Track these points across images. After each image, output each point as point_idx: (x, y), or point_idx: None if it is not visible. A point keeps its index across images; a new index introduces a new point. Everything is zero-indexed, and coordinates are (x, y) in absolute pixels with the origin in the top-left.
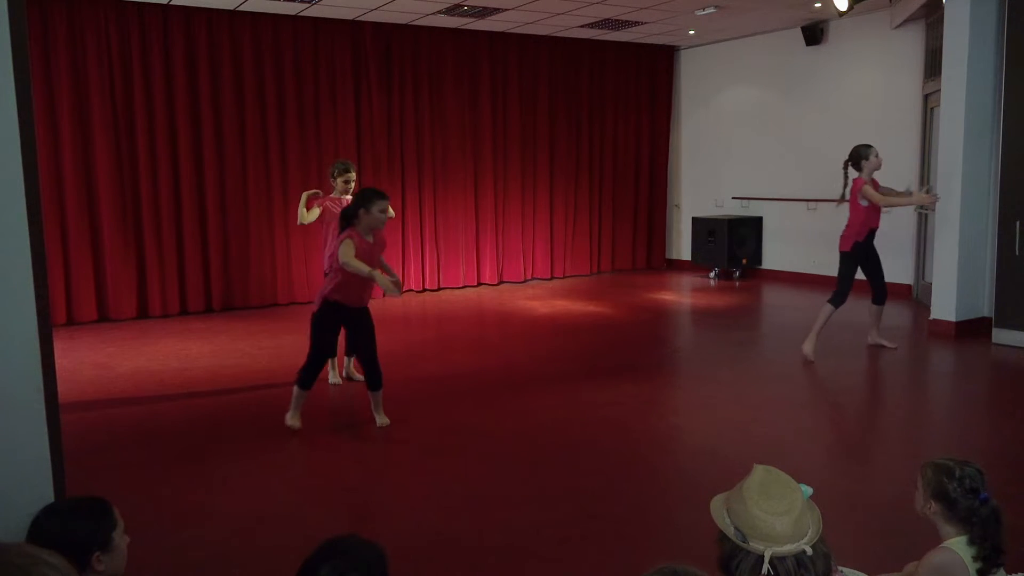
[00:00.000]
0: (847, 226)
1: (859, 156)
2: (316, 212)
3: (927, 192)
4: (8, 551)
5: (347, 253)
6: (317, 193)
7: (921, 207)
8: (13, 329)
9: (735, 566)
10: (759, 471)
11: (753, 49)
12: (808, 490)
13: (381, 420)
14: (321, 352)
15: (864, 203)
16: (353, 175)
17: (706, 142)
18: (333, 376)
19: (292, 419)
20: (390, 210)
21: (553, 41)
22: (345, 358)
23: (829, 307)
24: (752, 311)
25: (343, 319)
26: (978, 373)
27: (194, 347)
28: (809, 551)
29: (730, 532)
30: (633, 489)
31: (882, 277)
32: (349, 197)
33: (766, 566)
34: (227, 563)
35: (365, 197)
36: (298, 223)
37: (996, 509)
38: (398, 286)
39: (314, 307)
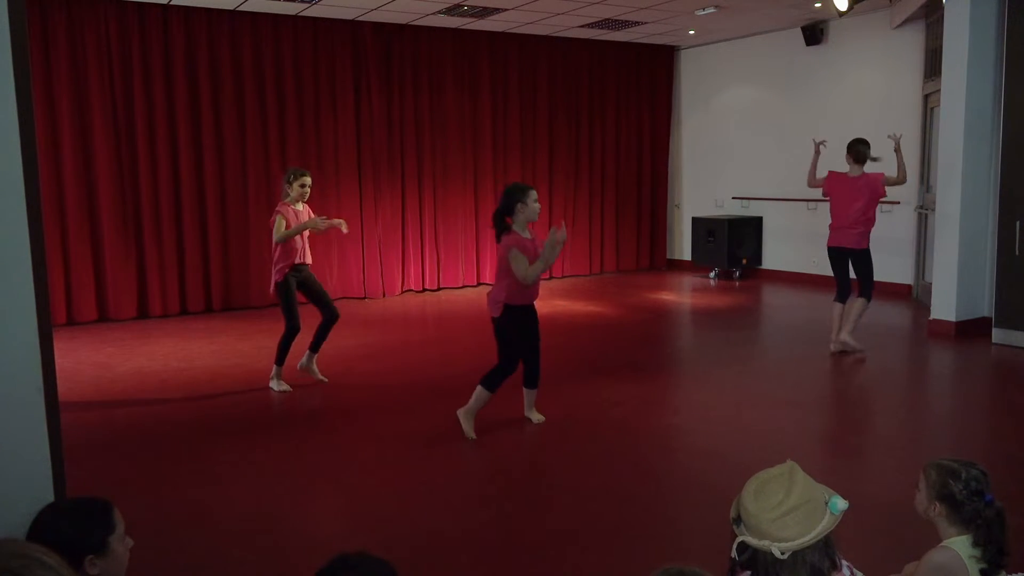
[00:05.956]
0: (866, 223)
1: (868, 154)
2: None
3: None
4: (2, 551)
5: None
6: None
7: None
8: (13, 329)
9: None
10: (752, 481)
11: (753, 49)
12: (842, 503)
13: (536, 417)
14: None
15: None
16: (309, 179)
17: (706, 142)
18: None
19: (466, 424)
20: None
21: (553, 41)
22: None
23: (863, 301)
24: (752, 311)
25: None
26: (978, 373)
27: (194, 347)
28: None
29: (762, 546)
30: (633, 489)
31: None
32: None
33: (778, 553)
34: (226, 563)
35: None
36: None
37: (1001, 511)
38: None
39: (495, 313)
